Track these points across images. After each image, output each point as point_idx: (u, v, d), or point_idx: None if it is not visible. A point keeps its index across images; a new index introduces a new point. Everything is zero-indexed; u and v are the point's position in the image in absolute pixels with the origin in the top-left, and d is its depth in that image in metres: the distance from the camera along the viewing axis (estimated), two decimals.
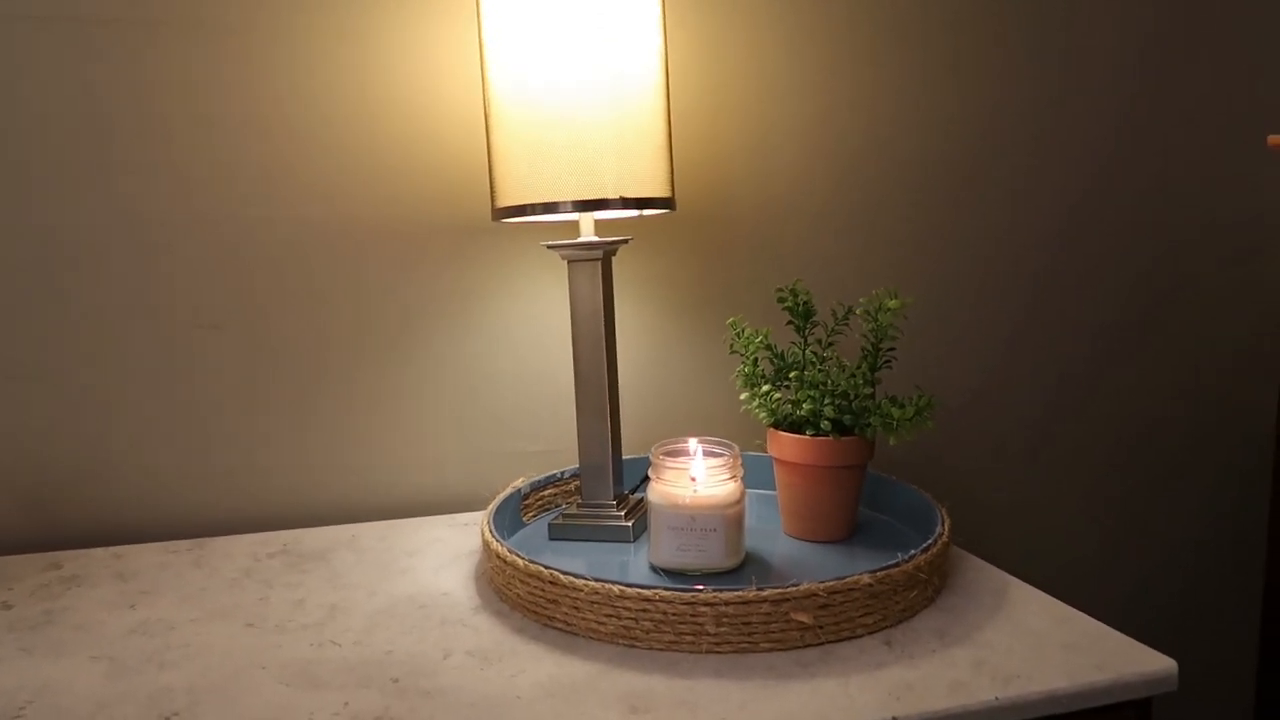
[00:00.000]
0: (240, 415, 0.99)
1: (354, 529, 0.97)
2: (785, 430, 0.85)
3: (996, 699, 0.60)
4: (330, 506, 1.02)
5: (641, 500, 0.90)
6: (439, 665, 0.67)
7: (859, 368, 0.85)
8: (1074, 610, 0.73)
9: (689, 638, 0.67)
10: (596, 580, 0.69)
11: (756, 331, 0.88)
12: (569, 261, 0.87)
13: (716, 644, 0.67)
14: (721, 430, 1.00)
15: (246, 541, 0.94)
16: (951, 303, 1.18)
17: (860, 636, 0.69)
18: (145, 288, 0.96)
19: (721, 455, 0.79)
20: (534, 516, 0.95)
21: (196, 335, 0.97)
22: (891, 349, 0.85)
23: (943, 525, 0.80)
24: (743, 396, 0.88)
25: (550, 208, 0.81)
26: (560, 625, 0.72)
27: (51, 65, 0.91)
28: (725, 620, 0.67)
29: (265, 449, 1.00)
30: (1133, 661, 0.65)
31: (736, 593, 0.67)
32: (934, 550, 0.74)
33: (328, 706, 0.61)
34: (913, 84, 1.12)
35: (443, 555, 0.89)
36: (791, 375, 0.86)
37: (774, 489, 0.89)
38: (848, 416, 0.82)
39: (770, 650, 0.67)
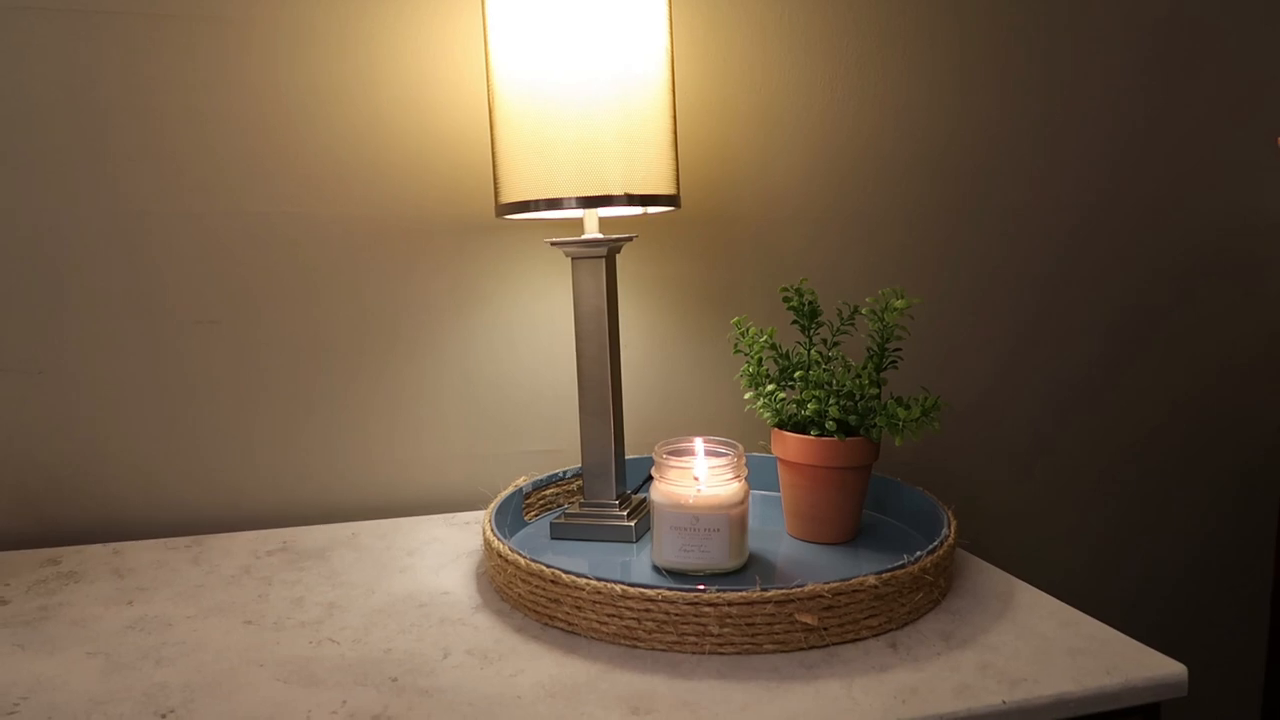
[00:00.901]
0: (240, 412, 0.99)
1: (354, 527, 0.97)
2: (790, 430, 0.84)
3: (1004, 703, 0.60)
4: (330, 505, 1.02)
5: (644, 500, 0.89)
6: (438, 664, 0.66)
7: (864, 368, 0.84)
8: (1081, 614, 0.72)
9: (691, 638, 0.67)
10: (598, 580, 0.68)
11: (761, 331, 0.88)
12: (573, 259, 0.86)
13: (719, 645, 0.66)
14: (725, 430, 0.99)
15: (246, 539, 0.94)
16: (957, 306, 1.17)
17: (865, 639, 0.68)
18: (143, 283, 0.95)
19: (725, 455, 0.78)
20: (536, 516, 0.95)
21: (196, 331, 0.97)
22: (898, 349, 0.84)
23: (949, 527, 0.79)
24: (747, 396, 0.88)
25: (554, 204, 0.80)
26: (561, 625, 0.71)
27: (48, 57, 0.90)
28: (728, 621, 0.66)
29: (265, 446, 1.00)
30: (1142, 666, 0.64)
31: (740, 593, 0.66)
32: (940, 552, 0.73)
33: (325, 705, 0.61)
34: (918, 86, 1.12)
35: (443, 554, 0.88)
36: (796, 375, 0.85)
37: (778, 490, 0.88)
38: (853, 417, 0.82)
39: (774, 652, 0.67)
